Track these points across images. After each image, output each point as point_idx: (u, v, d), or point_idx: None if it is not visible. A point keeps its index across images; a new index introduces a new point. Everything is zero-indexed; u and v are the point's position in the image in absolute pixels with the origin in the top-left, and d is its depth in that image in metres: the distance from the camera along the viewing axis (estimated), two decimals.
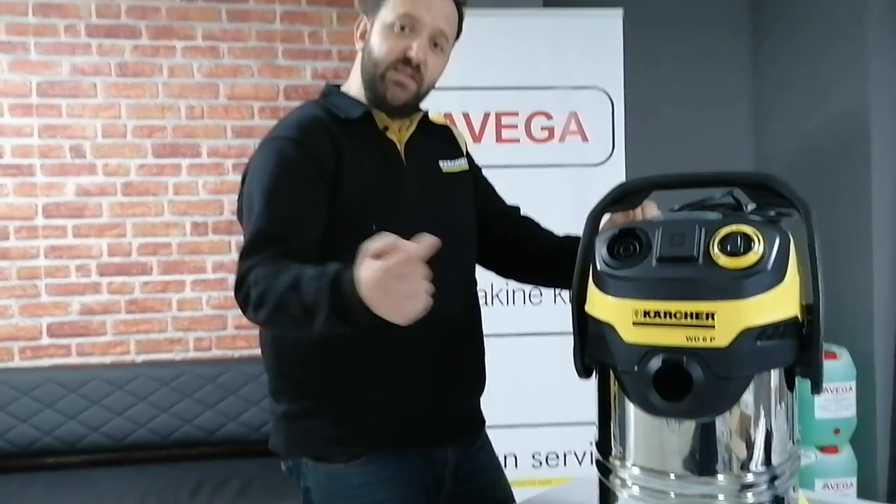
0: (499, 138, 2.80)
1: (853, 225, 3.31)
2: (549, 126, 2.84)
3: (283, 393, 1.39)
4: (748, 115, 3.85)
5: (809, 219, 1.03)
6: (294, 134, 1.31)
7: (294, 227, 1.26)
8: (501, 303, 2.80)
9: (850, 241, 3.31)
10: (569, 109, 2.85)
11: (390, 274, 1.03)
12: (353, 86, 1.42)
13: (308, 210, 1.28)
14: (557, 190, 2.73)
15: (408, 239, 1.31)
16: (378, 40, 1.34)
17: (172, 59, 3.37)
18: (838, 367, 3.19)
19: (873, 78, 3.30)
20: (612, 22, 2.85)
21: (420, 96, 1.39)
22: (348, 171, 1.31)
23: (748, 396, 1.00)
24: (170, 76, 3.37)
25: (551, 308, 2.76)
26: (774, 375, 1.03)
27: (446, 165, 1.46)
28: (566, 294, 2.83)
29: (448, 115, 1.54)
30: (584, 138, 2.85)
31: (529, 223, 1.57)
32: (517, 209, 1.60)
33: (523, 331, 2.74)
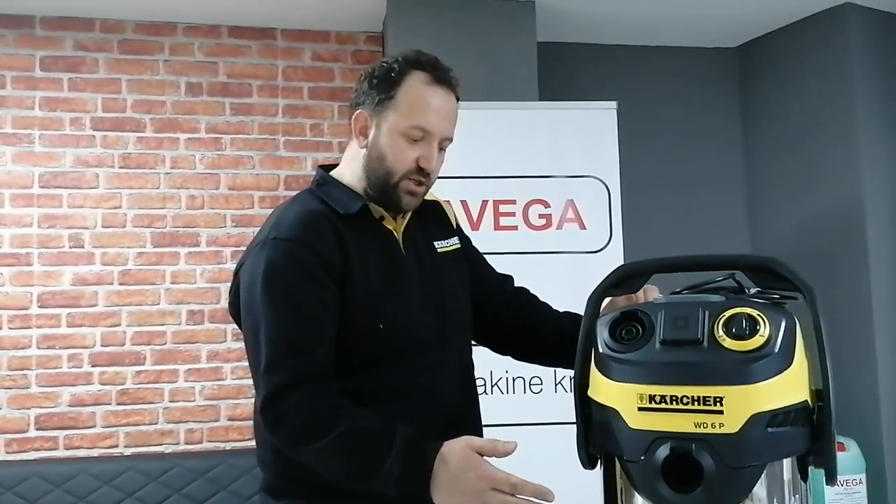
0: (497, 225, 2.82)
1: (853, 313, 3.30)
2: (547, 214, 2.86)
3: (281, 490, 1.34)
4: (743, 201, 3.89)
5: (814, 301, 1.01)
6: (299, 235, 1.28)
7: (316, 335, 1.25)
8: (501, 391, 2.74)
9: (851, 330, 3.28)
10: (566, 197, 2.88)
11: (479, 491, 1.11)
12: (348, 174, 1.40)
13: (325, 314, 1.26)
14: (555, 277, 2.72)
15: (408, 329, 1.30)
16: (389, 147, 1.33)
17: (175, 151, 3.43)
18: (847, 458, 3.11)
19: (865, 161, 3.36)
20: (606, 114, 2.92)
21: (424, 195, 1.41)
22: (355, 268, 1.29)
23: (761, 488, 0.96)
24: (172, 167, 3.42)
25: (552, 397, 2.71)
26: (787, 466, 0.99)
27: (441, 245, 1.45)
28: (567, 382, 2.79)
29: (447, 203, 1.54)
30: (582, 226, 2.87)
31: (526, 298, 1.55)
32: (510, 280, 1.58)
33: (524, 421, 2.67)
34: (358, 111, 1.37)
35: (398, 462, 1.16)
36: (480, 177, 2.84)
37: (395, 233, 1.38)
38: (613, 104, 2.95)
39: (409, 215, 1.41)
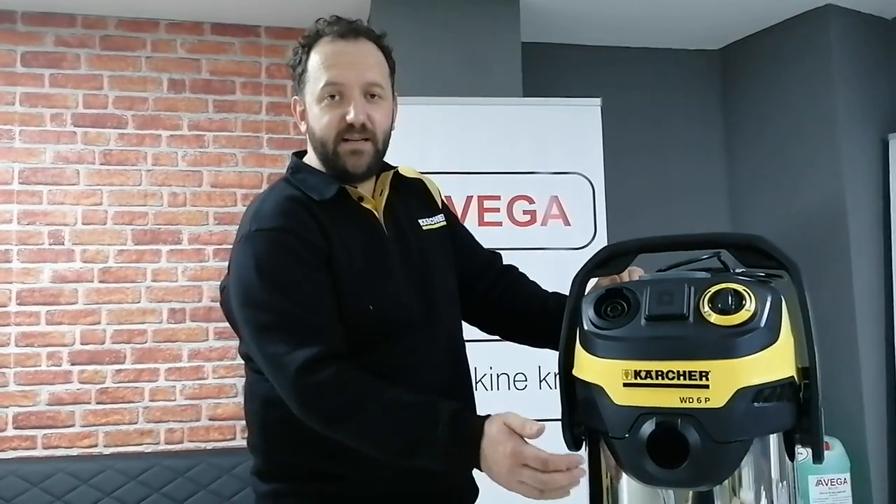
0: (481, 221, 2.80)
1: (837, 313, 3.31)
2: (531, 210, 2.86)
3: (271, 474, 1.33)
4: (725, 201, 3.91)
5: (800, 278, 1.01)
6: (281, 223, 1.26)
7: (326, 314, 1.23)
8: (485, 388, 2.72)
9: (834, 331, 3.29)
10: (550, 194, 2.88)
11: (527, 475, 1.09)
12: (315, 160, 1.37)
13: (326, 295, 1.24)
14: (540, 273, 2.67)
15: (394, 309, 1.28)
16: (314, 118, 1.31)
17: (157, 148, 3.40)
18: (831, 457, 3.11)
19: (846, 162, 3.38)
20: (590, 111, 2.93)
21: (380, 152, 1.35)
22: (338, 252, 1.27)
23: (747, 465, 0.95)
24: (154, 164, 3.39)
25: (537, 393, 2.69)
26: (774, 443, 0.98)
27: (425, 223, 1.42)
28: (552, 379, 2.76)
29: (430, 181, 1.52)
30: (566, 222, 2.87)
31: (514, 277, 1.53)
32: (499, 258, 1.56)
33: None
34: (293, 99, 1.38)
35: (447, 434, 1.14)
36: (465, 172, 2.83)
37: (375, 212, 1.35)
38: (598, 101, 2.96)
39: (386, 191, 1.38)
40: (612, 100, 3.23)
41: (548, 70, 3.61)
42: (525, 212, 2.86)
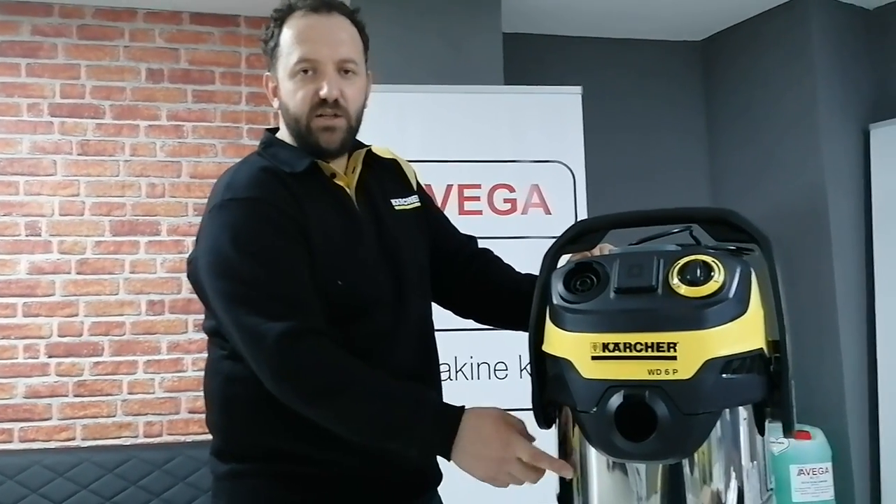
0: (461, 210, 2.79)
1: (817, 304, 3.32)
2: (512, 198, 2.84)
3: (230, 453, 1.30)
4: (706, 191, 3.91)
5: (770, 251, 1.01)
6: (256, 193, 1.23)
7: (304, 287, 1.21)
8: (466, 377, 2.71)
9: (815, 320, 3.30)
10: (531, 182, 2.87)
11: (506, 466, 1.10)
12: (287, 136, 1.35)
13: (303, 268, 1.22)
14: (520, 262, 2.66)
15: (364, 287, 1.26)
16: (287, 93, 1.29)
17: (135, 138, 3.36)
18: (813, 447, 3.12)
19: (827, 152, 3.39)
20: (571, 99, 2.92)
21: (353, 129, 1.33)
22: (313, 226, 1.25)
23: (716, 438, 0.94)
24: (132, 154, 3.34)
25: (517, 382, 2.68)
26: (744, 416, 0.97)
27: (398, 203, 1.40)
28: None
29: (406, 162, 1.50)
30: (547, 211, 2.86)
31: (488, 260, 1.51)
32: (474, 241, 1.54)
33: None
34: (265, 75, 1.36)
35: (426, 423, 1.13)
36: (444, 161, 2.81)
37: (347, 189, 1.34)
38: (578, 89, 2.95)
39: (359, 168, 1.36)
40: (595, 90, 3.22)
41: (529, 61, 3.60)
42: (505, 200, 2.84)
